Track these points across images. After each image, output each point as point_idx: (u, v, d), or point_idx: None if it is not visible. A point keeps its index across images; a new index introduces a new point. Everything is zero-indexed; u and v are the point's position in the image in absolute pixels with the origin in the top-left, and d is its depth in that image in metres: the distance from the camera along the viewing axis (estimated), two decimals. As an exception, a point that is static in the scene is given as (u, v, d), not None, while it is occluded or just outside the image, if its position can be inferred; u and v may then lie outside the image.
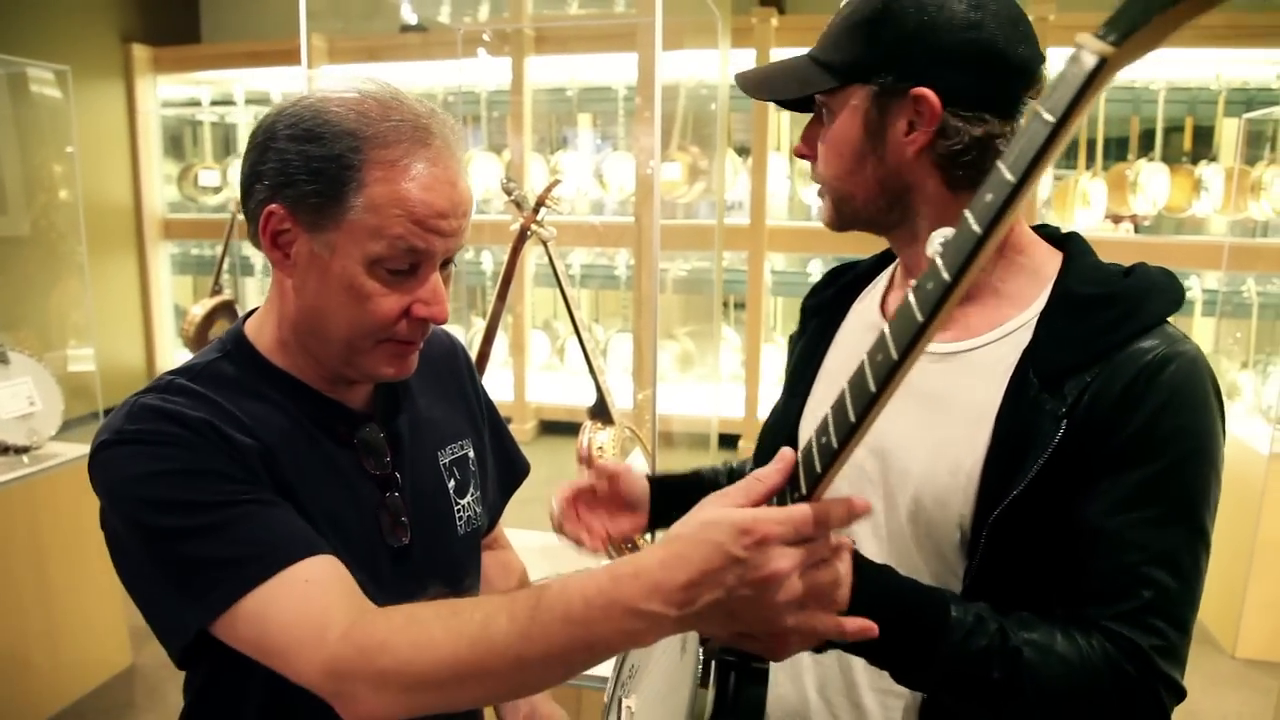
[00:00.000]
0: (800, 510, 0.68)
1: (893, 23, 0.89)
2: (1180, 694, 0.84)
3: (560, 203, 2.00)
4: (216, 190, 6.70)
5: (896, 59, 0.89)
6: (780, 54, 5.52)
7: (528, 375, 5.89)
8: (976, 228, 0.57)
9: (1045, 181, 5.27)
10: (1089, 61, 0.53)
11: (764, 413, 5.12)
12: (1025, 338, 0.92)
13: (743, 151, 5.81)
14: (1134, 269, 0.93)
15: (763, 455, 1.14)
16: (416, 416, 1.07)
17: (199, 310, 4.49)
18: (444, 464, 1.08)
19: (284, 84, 6.71)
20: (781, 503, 0.72)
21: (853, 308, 1.13)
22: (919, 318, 0.60)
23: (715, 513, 0.69)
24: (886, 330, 0.63)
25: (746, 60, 5.37)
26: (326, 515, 0.94)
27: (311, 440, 0.96)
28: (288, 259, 0.91)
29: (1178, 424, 0.84)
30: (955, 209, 0.91)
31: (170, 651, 0.90)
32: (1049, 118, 0.54)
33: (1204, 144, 5.54)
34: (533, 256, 6.03)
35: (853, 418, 0.66)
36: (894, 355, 0.62)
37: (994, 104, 0.90)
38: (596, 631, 0.70)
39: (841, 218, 1.00)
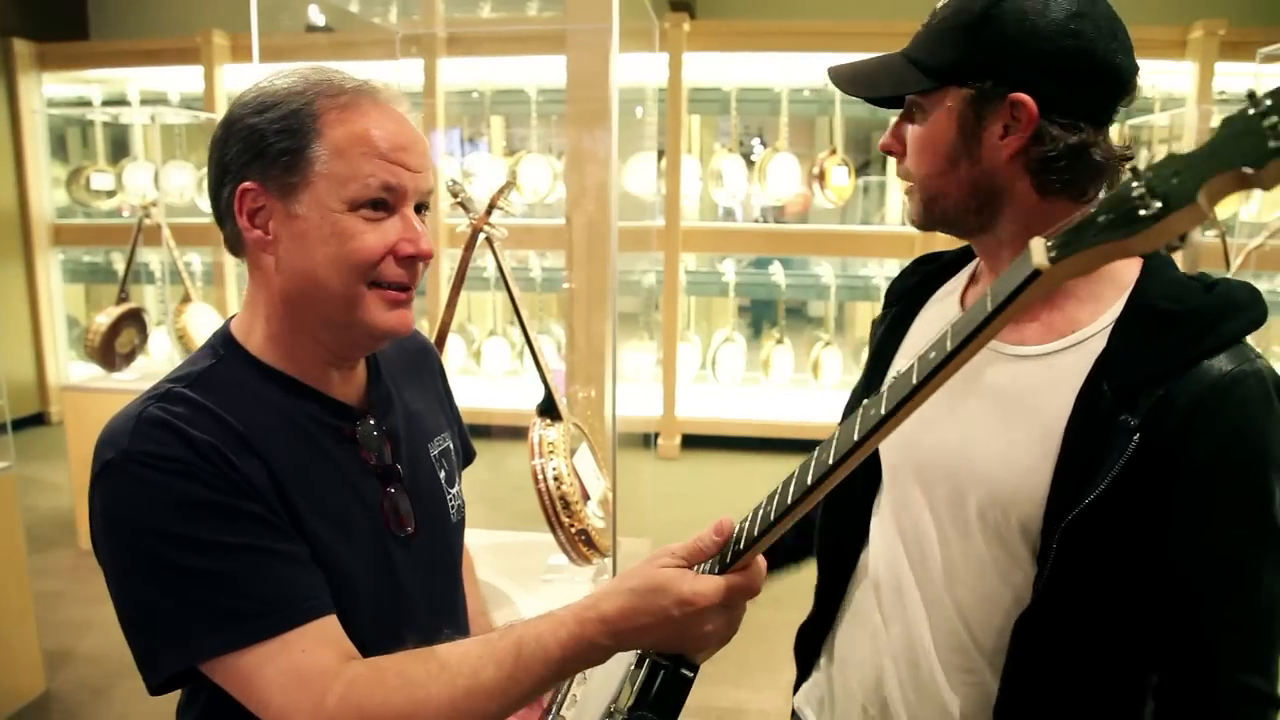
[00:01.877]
0: (730, 583, 0.84)
1: (993, 27, 0.90)
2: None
3: (512, 205, 2.03)
4: (110, 194, 6.43)
5: (996, 64, 0.91)
6: (694, 58, 5.62)
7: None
8: (914, 379, 0.71)
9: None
10: (1027, 268, 0.64)
11: (682, 410, 5.20)
12: (1098, 345, 0.91)
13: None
14: (1217, 284, 0.91)
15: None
16: (406, 411, 1.10)
17: (104, 319, 4.31)
18: (434, 455, 1.11)
19: (183, 84, 6.48)
20: (723, 558, 0.87)
21: (934, 296, 1.15)
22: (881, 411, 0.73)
23: (664, 578, 0.85)
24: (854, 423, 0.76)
25: (659, 64, 5.44)
26: (334, 513, 0.95)
27: (312, 440, 0.97)
28: (267, 235, 0.93)
29: (1250, 446, 0.85)
30: (1044, 214, 0.93)
31: (146, 679, 0.88)
32: (988, 304, 0.66)
33: (1089, 147, 5.86)
34: (445, 259, 5.99)
35: (789, 500, 0.79)
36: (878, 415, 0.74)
37: (1089, 112, 0.91)
38: (568, 666, 0.86)
39: (930, 216, 1.01)
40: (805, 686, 1.26)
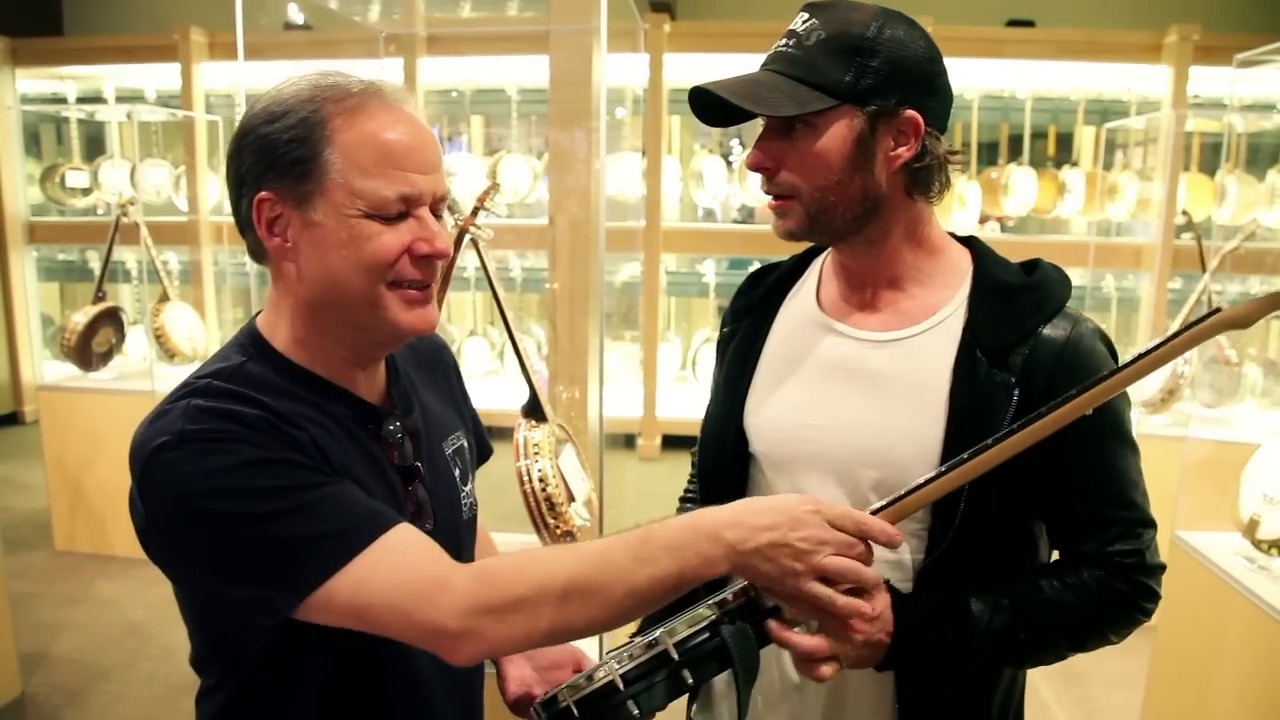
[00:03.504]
0: (853, 512, 0.92)
1: (882, 52, 1.00)
2: (1157, 596, 1.06)
3: (498, 206, 2.03)
4: (86, 192, 6.36)
5: (889, 84, 1.00)
6: (674, 60, 5.63)
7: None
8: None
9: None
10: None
11: (663, 411, 5.21)
12: (957, 324, 1.07)
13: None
14: (1036, 264, 1.11)
15: (709, 450, 1.23)
16: (424, 409, 1.12)
17: (81, 319, 4.26)
18: (449, 454, 1.13)
19: (160, 81, 6.42)
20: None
21: (783, 306, 1.22)
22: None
23: (798, 495, 0.93)
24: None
25: (639, 65, 5.45)
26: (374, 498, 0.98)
27: (348, 435, 0.99)
28: (286, 243, 0.94)
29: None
30: (908, 212, 1.08)
31: (260, 627, 0.88)
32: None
33: (1065, 150, 5.94)
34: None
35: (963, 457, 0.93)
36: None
37: (943, 124, 1.06)
38: (687, 557, 0.87)
39: (814, 227, 1.07)
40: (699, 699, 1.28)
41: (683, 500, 1.44)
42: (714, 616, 0.91)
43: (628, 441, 5.68)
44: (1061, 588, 1.04)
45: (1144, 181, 5.53)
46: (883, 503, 0.95)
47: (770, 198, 1.08)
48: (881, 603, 0.96)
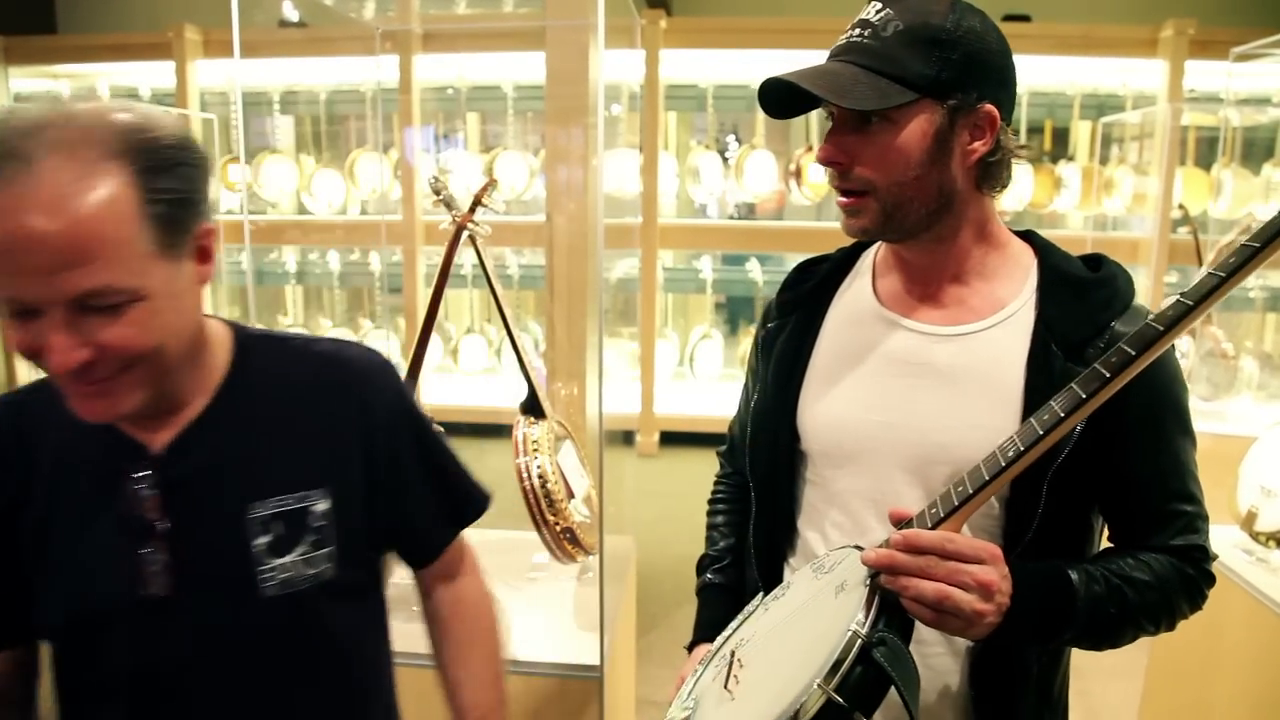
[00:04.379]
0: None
1: (962, 44, 0.98)
2: (1213, 579, 1.08)
3: (495, 202, 2.03)
4: (80, 190, 6.33)
5: (970, 78, 0.99)
6: (670, 55, 5.62)
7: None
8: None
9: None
10: None
11: (660, 407, 5.17)
12: (1027, 317, 1.05)
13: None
14: (1100, 259, 1.10)
15: (761, 449, 1.21)
16: (228, 461, 0.98)
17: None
18: (256, 516, 0.97)
19: (154, 79, 6.40)
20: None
21: (835, 300, 1.20)
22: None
23: None
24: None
25: (636, 61, 5.44)
26: (76, 554, 0.94)
27: (95, 476, 0.94)
28: None
29: (1172, 375, 1.04)
30: (978, 207, 1.07)
31: None
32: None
33: (1062, 144, 5.94)
34: (421, 257, 5.96)
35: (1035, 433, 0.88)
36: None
37: (1010, 117, 1.05)
38: None
39: (889, 225, 1.05)
40: None
41: (713, 503, 1.40)
42: (860, 643, 0.84)
43: (626, 438, 5.68)
44: (1143, 567, 1.03)
45: (1140, 176, 5.53)
46: (945, 510, 0.91)
47: (840, 195, 1.05)
48: (1001, 573, 0.92)
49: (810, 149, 5.61)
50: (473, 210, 1.94)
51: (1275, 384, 5.13)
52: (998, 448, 0.90)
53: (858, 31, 1.01)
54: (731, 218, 6.51)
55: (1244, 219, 3.93)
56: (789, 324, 1.21)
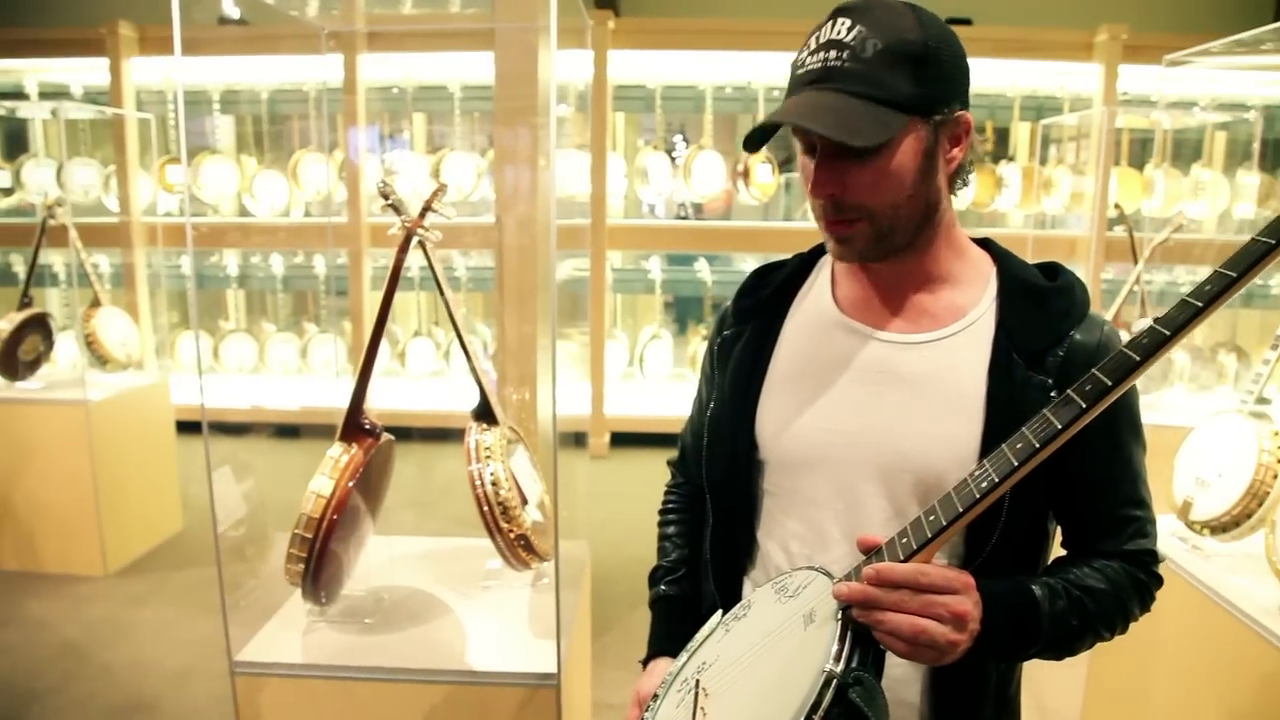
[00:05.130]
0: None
1: (939, 57, 0.97)
2: (1162, 580, 1.10)
3: (445, 208, 2.00)
4: (8, 192, 6.13)
5: (948, 91, 0.99)
6: (618, 56, 5.61)
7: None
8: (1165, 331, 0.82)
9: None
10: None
11: (611, 408, 5.14)
12: (988, 326, 1.06)
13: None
14: (1055, 267, 1.11)
15: (719, 459, 1.18)
16: None
17: (5, 325, 4.10)
18: None
19: (87, 77, 6.21)
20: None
21: (794, 307, 1.19)
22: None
23: None
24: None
25: (583, 61, 5.42)
26: None
27: None
28: None
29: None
30: (948, 211, 1.07)
31: None
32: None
33: (1003, 145, 6.06)
34: (367, 259, 5.88)
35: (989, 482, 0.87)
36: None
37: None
38: None
39: (881, 246, 1.03)
40: None
41: (664, 512, 1.38)
42: (836, 684, 0.83)
43: (577, 440, 5.66)
44: (1098, 576, 1.04)
45: (1077, 176, 5.67)
46: (917, 541, 0.89)
47: (828, 222, 1.03)
48: (974, 600, 0.91)
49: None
50: (422, 216, 1.92)
51: (1206, 375, 5.31)
52: (970, 477, 0.88)
53: (834, 54, 0.97)
54: (681, 218, 6.52)
55: (1175, 217, 4.05)
56: (746, 331, 1.20)
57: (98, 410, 4.07)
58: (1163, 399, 4.55)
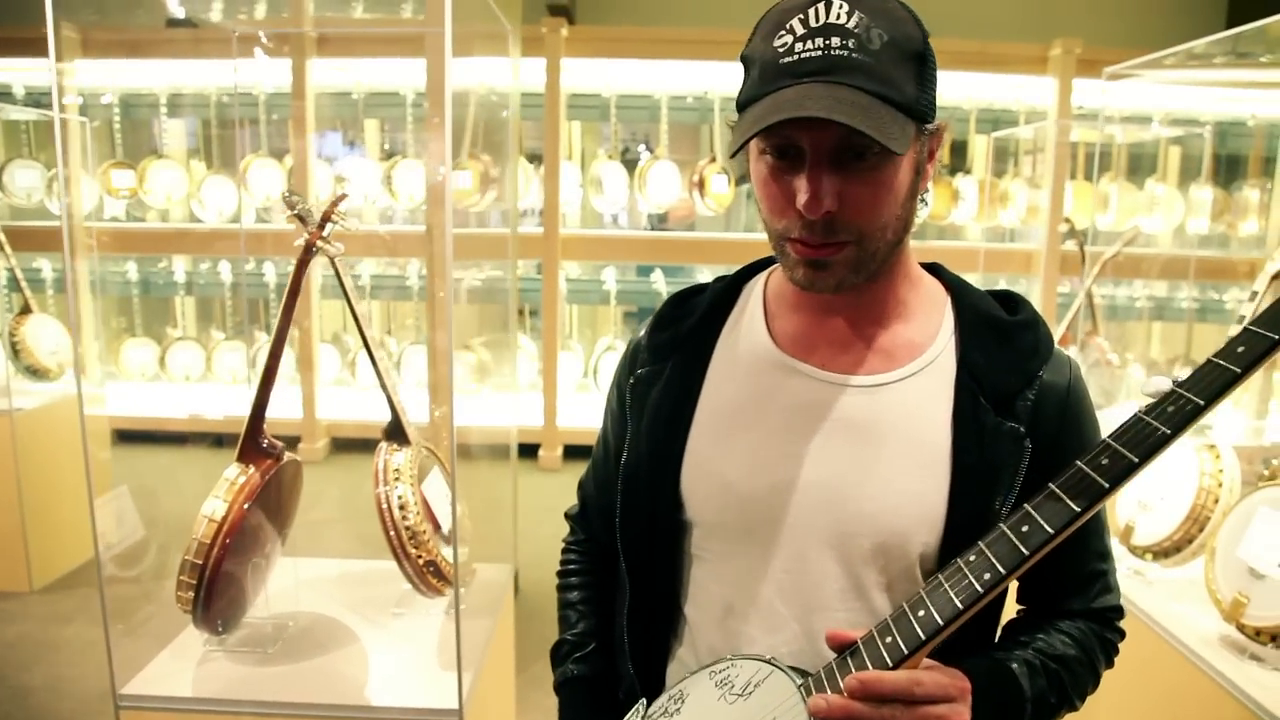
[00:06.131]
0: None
1: (932, 58, 0.86)
2: (1124, 634, 1.04)
3: (347, 217, 1.90)
4: (-54, 195, 5.95)
5: (935, 96, 0.87)
6: (571, 64, 5.53)
7: (318, 391, 5.61)
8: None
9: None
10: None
11: (564, 420, 5.04)
12: (948, 364, 0.94)
13: (534, 159, 5.79)
14: (1014, 298, 0.99)
15: (635, 521, 1.03)
16: None
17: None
18: None
19: (28, 78, 6.05)
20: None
21: (720, 341, 1.03)
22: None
23: None
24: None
25: (536, 69, 5.35)
26: None
27: None
28: None
29: (1094, 423, 0.97)
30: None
31: None
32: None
33: (960, 157, 6.06)
34: (320, 266, 5.75)
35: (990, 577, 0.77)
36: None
37: None
38: None
39: (859, 273, 0.89)
40: None
41: (565, 574, 1.19)
42: None
43: (529, 452, 5.57)
44: (1069, 641, 0.96)
45: (1033, 189, 5.67)
46: (909, 645, 0.78)
47: (808, 246, 0.87)
48: (968, 702, 0.83)
49: (713, 160, 5.59)
50: (321, 227, 1.82)
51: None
52: (964, 564, 0.78)
53: (837, 42, 0.80)
54: (652, 228, 6.43)
55: (1128, 232, 4.03)
56: (665, 370, 1.02)
57: (24, 421, 3.92)
58: (1117, 414, 4.55)
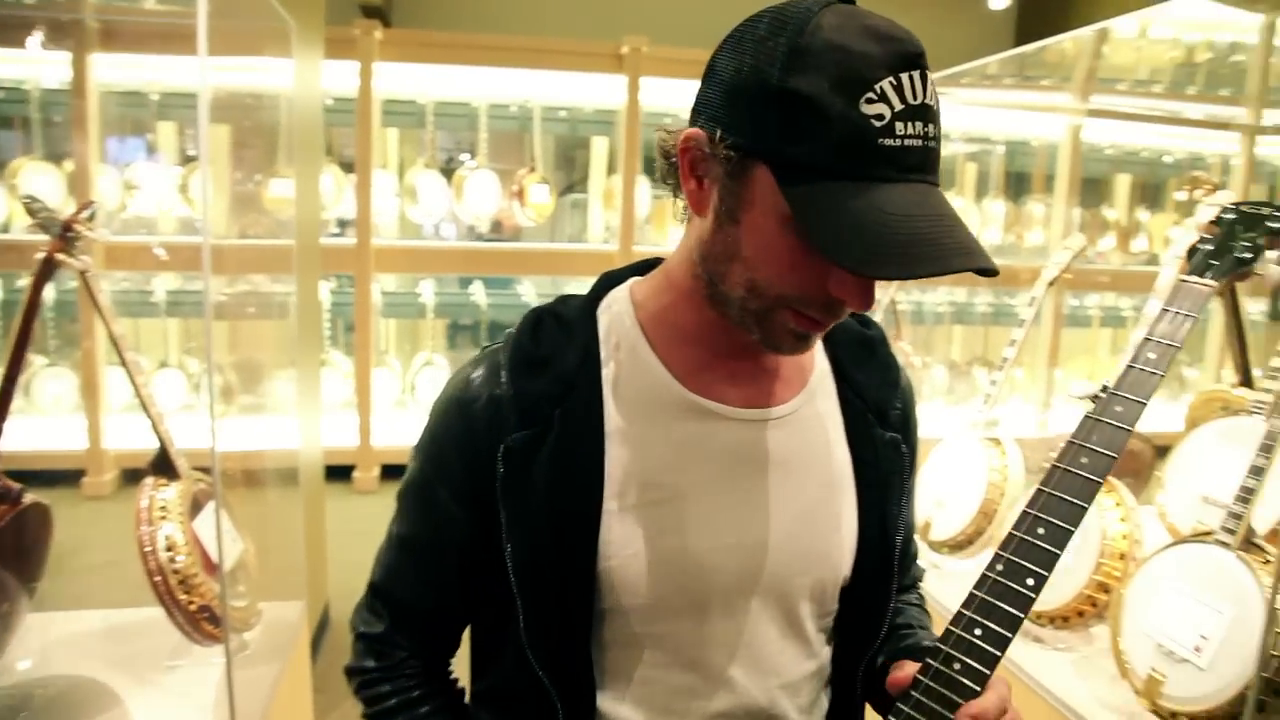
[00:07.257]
0: None
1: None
2: None
3: (95, 227, 1.71)
4: None
5: None
6: (385, 68, 5.33)
7: (104, 419, 5.12)
8: None
9: (643, 200, 5.62)
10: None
11: (380, 439, 4.80)
12: (829, 381, 0.94)
13: (348, 167, 5.55)
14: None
15: (544, 615, 0.85)
16: None
17: None
18: None
19: None
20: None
21: (605, 382, 0.86)
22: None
23: None
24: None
25: (348, 72, 5.11)
26: None
27: None
28: None
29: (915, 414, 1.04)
30: None
31: None
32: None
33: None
34: (105, 283, 5.29)
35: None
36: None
37: None
38: None
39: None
40: None
41: (387, 715, 0.93)
42: None
43: (342, 474, 5.30)
44: (919, 613, 1.06)
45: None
46: (987, 665, 0.81)
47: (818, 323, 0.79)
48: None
49: (533, 169, 5.52)
50: (62, 238, 1.63)
51: (962, 388, 5.68)
52: (998, 577, 0.84)
53: (933, 130, 0.71)
54: (481, 238, 6.25)
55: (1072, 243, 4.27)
56: (551, 433, 0.84)
57: None
58: (923, 413, 4.79)
